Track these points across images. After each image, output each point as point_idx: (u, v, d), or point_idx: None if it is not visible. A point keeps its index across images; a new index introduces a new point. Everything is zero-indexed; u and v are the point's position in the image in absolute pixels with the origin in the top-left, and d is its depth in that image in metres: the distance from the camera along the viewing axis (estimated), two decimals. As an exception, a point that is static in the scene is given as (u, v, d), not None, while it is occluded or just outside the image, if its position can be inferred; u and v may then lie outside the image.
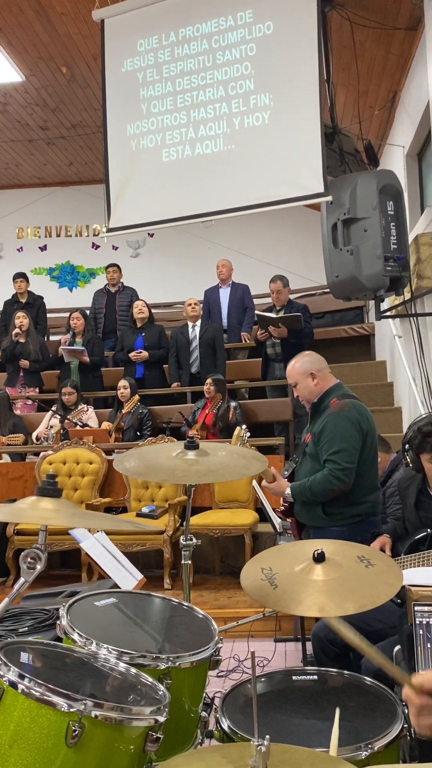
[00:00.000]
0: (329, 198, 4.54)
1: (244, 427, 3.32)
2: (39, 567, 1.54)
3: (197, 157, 4.92)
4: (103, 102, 5.47)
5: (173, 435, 6.27)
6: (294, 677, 2.12)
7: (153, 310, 7.88)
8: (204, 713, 1.98)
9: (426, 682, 1.37)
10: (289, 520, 3.43)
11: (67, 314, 8.03)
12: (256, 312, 6.76)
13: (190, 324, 7.34)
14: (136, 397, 6.70)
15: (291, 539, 3.54)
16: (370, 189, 4.54)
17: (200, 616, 2.08)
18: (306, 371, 3.35)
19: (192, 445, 2.27)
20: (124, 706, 1.44)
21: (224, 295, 8.01)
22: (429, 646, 2.15)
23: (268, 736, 1.14)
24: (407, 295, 5.02)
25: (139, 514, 5.41)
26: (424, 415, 2.84)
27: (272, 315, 6.62)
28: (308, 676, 2.12)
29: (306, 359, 3.42)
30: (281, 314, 6.69)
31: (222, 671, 3.78)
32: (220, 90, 4.86)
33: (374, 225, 4.51)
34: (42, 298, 8.35)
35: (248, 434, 3.31)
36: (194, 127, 4.95)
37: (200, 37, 4.98)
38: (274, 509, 3.57)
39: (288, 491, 3.25)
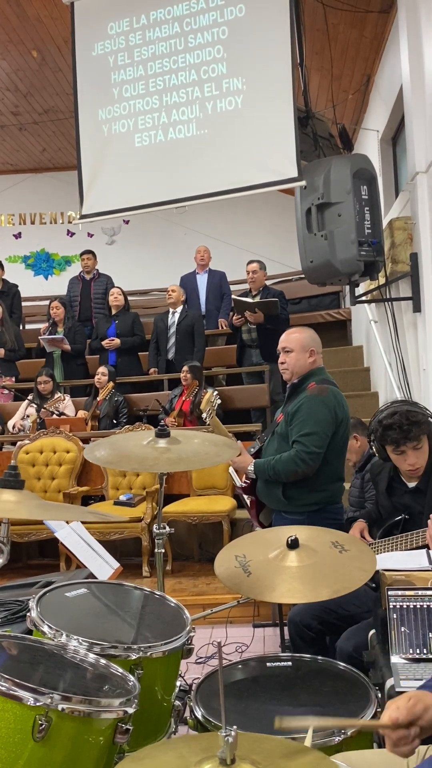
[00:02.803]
0: (303, 183, 4.52)
1: (215, 392, 3.27)
2: (1, 561, 1.51)
3: (170, 142, 4.86)
4: (74, 86, 5.39)
5: (150, 423, 6.24)
6: (268, 664, 2.12)
7: (129, 298, 7.82)
8: (177, 702, 1.97)
9: (400, 717, 1.37)
10: (249, 500, 3.41)
11: (42, 302, 7.95)
12: (233, 297, 6.72)
13: (170, 311, 7.31)
14: (111, 384, 6.66)
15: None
16: (344, 173, 4.52)
17: (172, 605, 2.07)
18: (308, 346, 3.27)
19: (163, 433, 2.25)
20: (92, 698, 1.43)
21: (202, 281, 7.98)
22: (402, 629, 2.16)
23: (235, 726, 1.13)
24: (382, 280, 5.02)
25: (117, 503, 5.39)
26: (384, 407, 2.83)
27: (249, 300, 6.60)
28: (282, 663, 2.12)
29: (313, 335, 3.33)
30: (257, 299, 6.66)
31: (201, 658, 3.79)
32: (193, 74, 4.81)
33: (348, 210, 4.49)
34: (17, 286, 8.25)
35: (219, 400, 3.26)
36: (167, 111, 4.89)
37: (172, 20, 4.91)
38: (237, 487, 3.54)
39: (251, 467, 3.21)
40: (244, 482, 3.37)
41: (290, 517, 3.16)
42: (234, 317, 6.66)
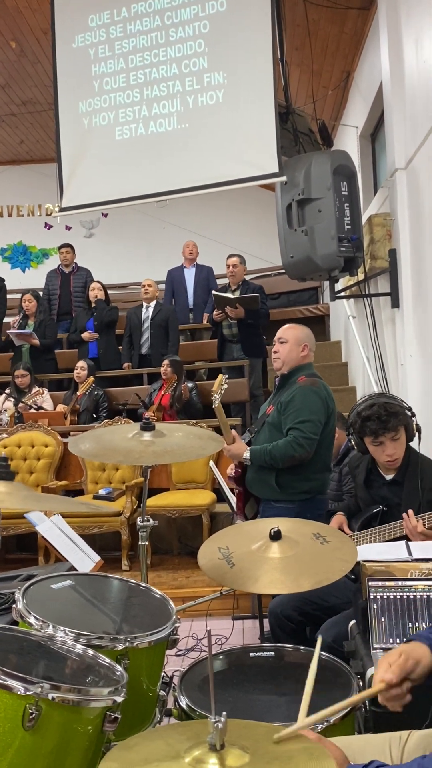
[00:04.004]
0: (283, 178, 4.54)
1: (226, 376, 3.34)
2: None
3: (151, 135, 4.86)
4: (54, 78, 5.36)
5: (130, 417, 6.23)
6: (251, 654, 2.14)
7: (108, 291, 7.80)
8: (162, 692, 1.99)
9: (394, 678, 1.40)
10: (236, 489, 3.44)
11: (19, 295, 7.89)
12: (213, 292, 6.73)
13: (144, 305, 7.30)
14: (91, 378, 6.64)
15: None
16: (324, 169, 4.55)
17: (157, 596, 2.09)
18: (302, 341, 3.43)
19: (148, 426, 2.26)
20: (81, 687, 1.44)
21: (189, 275, 7.99)
22: (383, 620, 2.20)
23: (225, 713, 1.15)
24: (361, 276, 5.07)
25: (96, 497, 5.39)
26: (362, 399, 2.88)
27: (229, 295, 6.61)
28: (265, 653, 2.15)
29: (309, 333, 3.51)
30: (237, 294, 6.68)
31: (181, 650, 3.81)
32: (174, 68, 4.80)
33: (328, 205, 4.53)
34: (3, 280, 8.14)
35: (226, 385, 3.32)
36: (147, 105, 4.88)
37: (153, 13, 4.90)
38: (226, 477, 3.59)
39: (246, 454, 3.27)
40: (235, 471, 3.41)
41: (281, 506, 3.21)
42: (214, 312, 6.66)
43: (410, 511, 2.61)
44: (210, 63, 4.71)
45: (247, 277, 7.30)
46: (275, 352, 3.47)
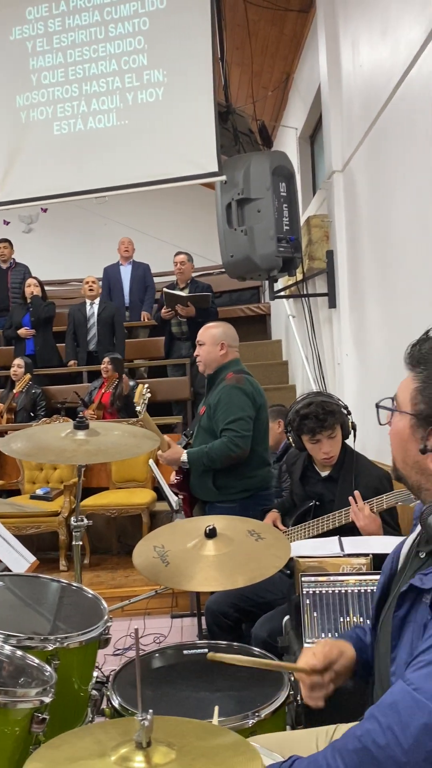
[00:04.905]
0: (223, 177, 4.55)
1: (146, 386, 3.31)
2: None
3: (90, 131, 4.80)
4: (-10, 70, 5.24)
5: (69, 415, 6.17)
6: (185, 651, 2.15)
7: (47, 288, 7.70)
8: (95, 692, 1.98)
9: (317, 664, 1.43)
10: (181, 495, 3.45)
11: None
12: (164, 289, 6.65)
13: (88, 302, 7.23)
14: (28, 376, 6.54)
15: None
16: (264, 170, 4.59)
17: (90, 595, 2.07)
18: (219, 339, 3.40)
19: (81, 425, 2.24)
20: (8, 689, 1.43)
21: (125, 272, 7.93)
22: (315, 614, 2.23)
23: (151, 711, 1.16)
24: (299, 276, 5.13)
25: (33, 497, 5.32)
26: (300, 398, 2.93)
27: (181, 293, 6.56)
28: (199, 650, 2.16)
29: (225, 330, 3.46)
30: (185, 292, 6.65)
31: (119, 649, 3.79)
32: (113, 64, 4.76)
33: (267, 206, 4.57)
34: None
35: (149, 393, 3.30)
36: (86, 100, 4.82)
37: (92, 8, 4.84)
38: (169, 484, 3.59)
39: (184, 457, 3.27)
40: (176, 478, 3.40)
41: (223, 506, 3.22)
42: (163, 310, 6.60)
43: (357, 493, 2.65)
44: (150, 60, 4.69)
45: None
46: (196, 355, 3.48)
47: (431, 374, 1.25)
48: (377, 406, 1.37)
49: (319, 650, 1.47)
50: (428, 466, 1.27)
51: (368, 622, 2.14)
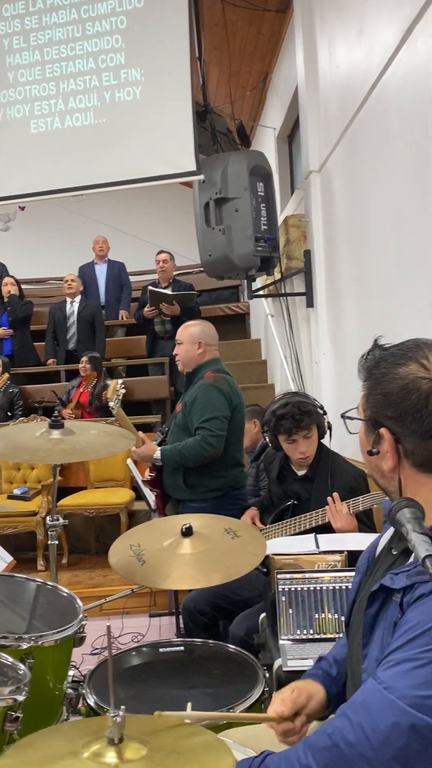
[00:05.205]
0: (201, 177, 4.56)
1: (120, 382, 3.30)
2: None
3: (67, 129, 4.79)
4: (-34, 67, 5.20)
5: (47, 415, 6.14)
6: (161, 649, 2.16)
7: (25, 286, 7.65)
8: (71, 690, 1.98)
9: (285, 711, 1.43)
10: (155, 492, 3.45)
11: None
12: (149, 288, 6.59)
13: (68, 300, 7.20)
14: (6, 375, 6.50)
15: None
16: (241, 169, 4.60)
17: (65, 594, 2.08)
18: (196, 338, 3.40)
19: (56, 424, 2.24)
20: (-19, 688, 1.43)
21: (101, 271, 7.89)
22: (290, 611, 2.25)
23: (123, 707, 1.16)
24: (277, 276, 5.15)
25: (11, 496, 5.29)
26: (277, 398, 2.95)
27: (168, 292, 6.52)
28: (175, 648, 2.17)
29: (203, 328, 3.46)
30: (168, 290, 6.62)
31: (96, 649, 3.79)
32: (90, 62, 4.74)
33: (245, 205, 4.58)
34: None
35: (124, 389, 3.29)
36: (63, 99, 4.80)
37: (69, 5, 4.82)
38: (142, 480, 3.58)
39: (157, 454, 3.26)
40: (150, 474, 3.40)
41: (194, 506, 3.22)
42: (146, 308, 6.56)
43: (335, 494, 2.68)
44: (127, 59, 4.68)
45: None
46: (175, 354, 3.48)
47: (373, 383, 1.32)
48: (343, 416, 1.45)
49: (288, 696, 1.47)
50: (382, 467, 1.33)
51: (342, 619, 2.16)
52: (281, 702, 1.46)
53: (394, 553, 1.36)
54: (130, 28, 4.65)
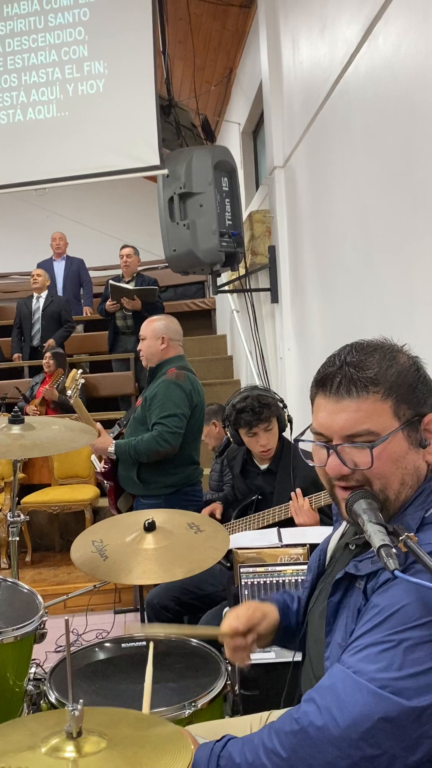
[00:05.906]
0: (165, 171, 4.55)
1: (80, 371, 3.27)
2: None
3: (29, 122, 4.73)
4: None
5: (10, 411, 6.06)
6: (123, 645, 2.15)
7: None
8: (31, 688, 1.96)
9: (240, 626, 1.46)
10: (108, 485, 3.43)
11: None
12: (110, 282, 6.53)
13: (35, 295, 7.11)
14: (-31, 372, 6.42)
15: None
16: (206, 164, 4.59)
17: (25, 591, 2.05)
18: (159, 334, 3.36)
19: (17, 420, 2.22)
20: None
21: (59, 268, 7.81)
22: (253, 604, 2.26)
23: (81, 701, 1.16)
24: (242, 271, 5.16)
25: (-26, 494, 5.23)
26: (237, 392, 2.95)
27: (128, 286, 6.48)
28: (137, 643, 2.16)
29: (167, 323, 3.43)
30: (131, 285, 6.58)
31: (60, 646, 3.75)
32: (53, 54, 4.69)
33: (210, 200, 4.57)
34: None
35: (83, 379, 3.26)
36: (26, 91, 4.74)
37: (31, -4, 4.77)
38: (96, 472, 3.56)
39: (111, 447, 3.24)
40: (104, 467, 3.38)
41: (147, 502, 3.22)
42: (108, 302, 6.52)
43: (298, 491, 2.69)
44: (90, 51, 4.64)
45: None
46: (139, 349, 3.46)
47: (392, 384, 1.24)
48: (337, 453, 1.31)
49: (242, 613, 1.49)
50: (428, 459, 1.27)
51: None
52: (236, 617, 1.48)
53: (353, 548, 1.37)
54: (93, 20, 4.61)
